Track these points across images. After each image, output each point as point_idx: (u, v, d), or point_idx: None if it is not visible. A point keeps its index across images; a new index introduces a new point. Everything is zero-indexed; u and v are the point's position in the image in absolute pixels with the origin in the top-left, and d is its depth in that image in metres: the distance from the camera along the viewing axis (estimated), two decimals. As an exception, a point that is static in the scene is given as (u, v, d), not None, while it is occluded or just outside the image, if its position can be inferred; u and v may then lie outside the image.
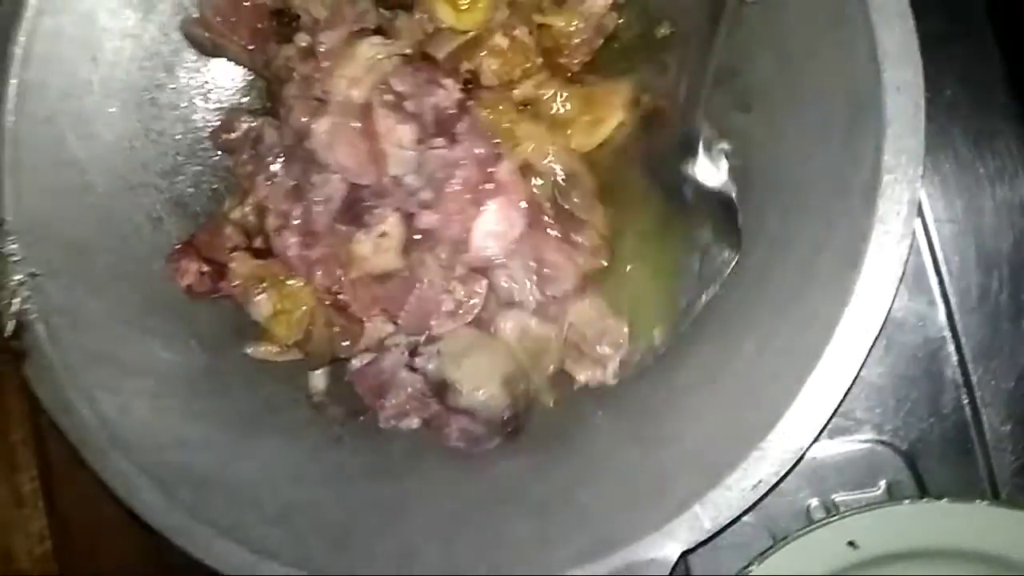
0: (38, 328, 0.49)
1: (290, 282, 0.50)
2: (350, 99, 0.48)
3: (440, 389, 0.50)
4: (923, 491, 0.53)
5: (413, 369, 0.51)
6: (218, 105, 0.57)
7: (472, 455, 0.52)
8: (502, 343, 0.50)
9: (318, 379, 0.54)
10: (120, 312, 0.52)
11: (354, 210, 0.49)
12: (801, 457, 0.42)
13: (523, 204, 0.48)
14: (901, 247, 0.41)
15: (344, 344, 0.50)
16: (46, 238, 0.51)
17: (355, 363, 0.52)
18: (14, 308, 0.49)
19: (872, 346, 0.42)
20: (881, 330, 0.42)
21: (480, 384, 0.49)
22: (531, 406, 0.52)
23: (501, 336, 0.50)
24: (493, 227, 0.48)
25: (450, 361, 0.50)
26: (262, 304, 0.50)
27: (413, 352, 0.51)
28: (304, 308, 0.50)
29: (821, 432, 0.42)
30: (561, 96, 0.50)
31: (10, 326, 0.49)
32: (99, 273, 0.52)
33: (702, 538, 0.43)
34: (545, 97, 0.50)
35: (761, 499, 0.43)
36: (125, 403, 0.50)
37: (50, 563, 0.61)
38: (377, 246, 0.48)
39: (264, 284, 0.50)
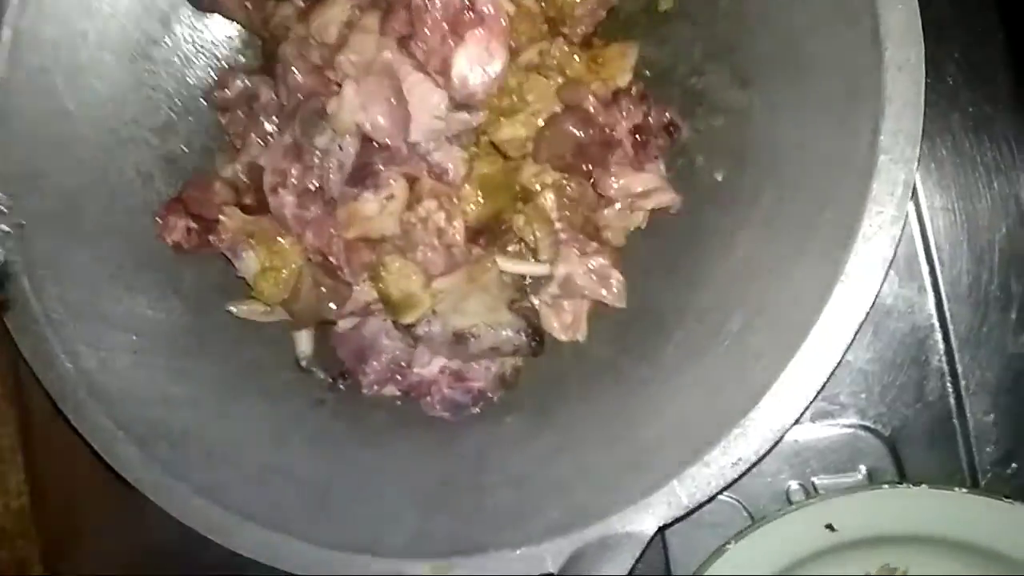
0: (22, 279, 0.49)
1: (280, 240, 0.50)
2: (373, 59, 0.47)
3: (457, 344, 0.49)
4: (903, 477, 0.53)
5: (415, 338, 0.50)
6: (213, 62, 0.56)
7: (453, 424, 0.52)
8: (489, 274, 0.50)
9: (305, 343, 0.54)
10: (106, 267, 0.52)
11: (363, 172, 0.48)
12: (782, 437, 0.42)
13: (504, 38, 0.47)
14: (894, 228, 0.41)
15: (331, 306, 0.50)
16: (34, 189, 0.50)
17: (341, 326, 0.52)
18: (-1, 258, 0.49)
19: (859, 328, 0.42)
20: (869, 312, 0.41)
21: (493, 318, 0.49)
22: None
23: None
24: (475, 58, 0.47)
25: (452, 313, 0.49)
26: (250, 260, 0.50)
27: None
28: (293, 266, 0.49)
29: (803, 412, 0.42)
30: (571, 57, 0.49)
31: (-6, 276, 0.49)
32: (86, 227, 0.52)
33: (679, 514, 0.43)
34: (551, 61, 0.49)
35: (740, 477, 0.43)
36: (106, 358, 0.50)
37: (27, 518, 0.61)
38: (383, 208, 0.48)
39: (253, 240, 0.49)
